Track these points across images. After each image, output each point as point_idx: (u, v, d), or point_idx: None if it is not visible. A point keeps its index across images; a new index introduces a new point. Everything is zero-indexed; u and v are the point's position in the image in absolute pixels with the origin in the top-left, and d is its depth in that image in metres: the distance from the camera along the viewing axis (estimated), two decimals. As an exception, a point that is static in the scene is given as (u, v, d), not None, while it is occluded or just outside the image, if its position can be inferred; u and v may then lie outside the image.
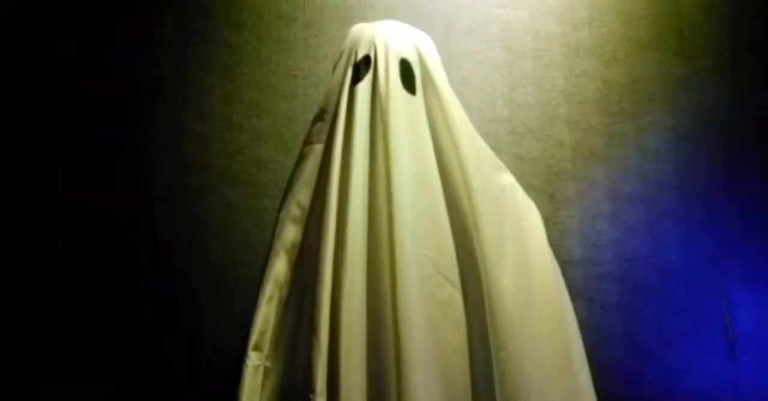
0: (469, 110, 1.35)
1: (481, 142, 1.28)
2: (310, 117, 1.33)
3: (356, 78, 1.26)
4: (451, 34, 1.53)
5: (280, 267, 1.26)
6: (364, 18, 1.49)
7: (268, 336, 1.23)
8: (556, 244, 1.35)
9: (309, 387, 1.10)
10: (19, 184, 1.54)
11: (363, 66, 1.26)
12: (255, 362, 1.22)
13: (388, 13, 1.50)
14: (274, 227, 1.30)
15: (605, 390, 1.26)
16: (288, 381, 1.20)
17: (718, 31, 1.46)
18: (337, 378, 1.09)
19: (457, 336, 1.15)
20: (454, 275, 1.18)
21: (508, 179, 1.29)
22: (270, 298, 1.24)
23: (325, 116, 1.30)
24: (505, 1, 1.53)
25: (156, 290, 1.46)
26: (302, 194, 1.27)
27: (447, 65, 1.34)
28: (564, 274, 1.30)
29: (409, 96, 1.23)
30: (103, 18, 1.59)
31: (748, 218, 1.38)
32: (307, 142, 1.31)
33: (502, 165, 1.30)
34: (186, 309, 1.45)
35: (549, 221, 1.36)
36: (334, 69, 1.32)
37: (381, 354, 1.11)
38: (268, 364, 1.22)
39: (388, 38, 1.26)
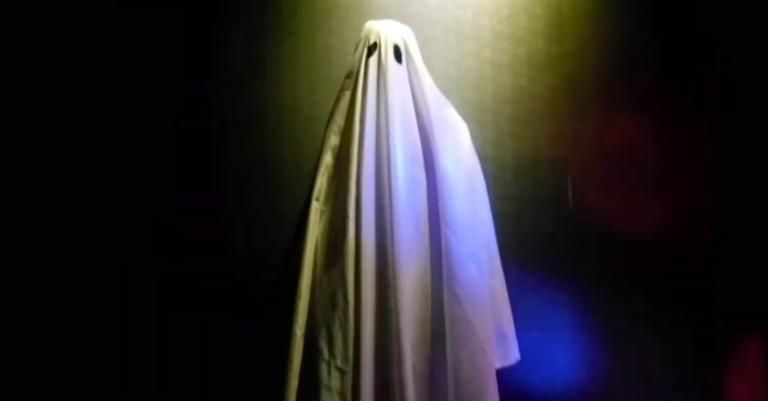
0: (433, 72, 2.16)
1: (437, 90, 2.19)
2: (343, 75, 2.21)
3: (369, 54, 2.13)
4: (424, 26, 2.32)
5: (328, 159, 2.17)
6: (372, 15, 2.29)
7: (323, 193, 2.15)
8: (479, 148, 2.20)
9: (346, 215, 2.04)
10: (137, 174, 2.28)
11: (372, 48, 2.14)
12: (315, 207, 2.12)
13: (387, 13, 2.28)
14: (323, 138, 2.19)
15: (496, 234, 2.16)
16: (333, 217, 2.10)
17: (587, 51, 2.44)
18: (359, 209, 2.01)
19: (421, 191, 2.08)
20: (420, 161, 2.09)
21: (451, 111, 2.20)
22: (323, 173, 2.15)
23: (351, 75, 2.18)
24: (458, 5, 2.39)
25: (256, 179, 2.33)
26: (339, 118, 2.17)
27: (421, 45, 2.17)
28: (483, 166, 2.18)
29: (398, 65, 2.12)
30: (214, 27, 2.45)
31: (587, 148, 2.37)
32: (341, 89, 2.20)
33: (449, 103, 2.20)
34: (269, 184, 2.34)
35: (477, 134, 2.24)
36: (355, 48, 2.20)
37: (383, 198, 2.02)
38: (323, 208, 2.14)
39: (387, 32, 2.16)
